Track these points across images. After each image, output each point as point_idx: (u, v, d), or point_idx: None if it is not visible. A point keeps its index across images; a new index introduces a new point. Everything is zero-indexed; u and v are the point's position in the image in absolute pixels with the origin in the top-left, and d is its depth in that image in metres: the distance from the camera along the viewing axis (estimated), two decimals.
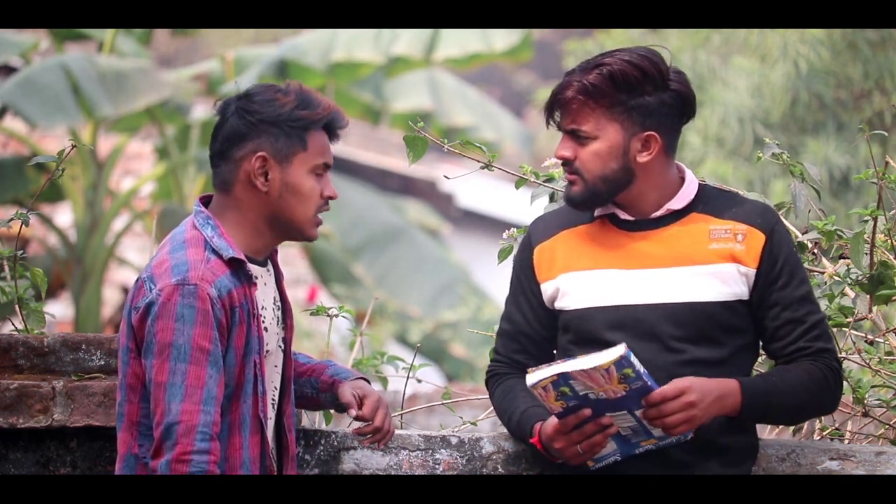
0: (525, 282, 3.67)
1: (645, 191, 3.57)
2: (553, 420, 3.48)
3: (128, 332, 3.38)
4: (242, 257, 3.40)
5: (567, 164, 3.56)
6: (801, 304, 3.55)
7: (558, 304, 3.61)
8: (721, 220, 3.57)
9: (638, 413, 3.41)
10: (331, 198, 3.48)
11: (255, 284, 3.43)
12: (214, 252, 3.38)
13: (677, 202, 3.58)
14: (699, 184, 3.63)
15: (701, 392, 3.43)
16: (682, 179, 3.62)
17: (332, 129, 3.49)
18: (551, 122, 3.59)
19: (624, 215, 3.59)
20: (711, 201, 3.60)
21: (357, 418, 3.55)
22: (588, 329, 3.55)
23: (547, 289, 3.63)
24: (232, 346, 3.36)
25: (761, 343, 3.62)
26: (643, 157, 3.54)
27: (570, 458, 3.49)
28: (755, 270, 3.54)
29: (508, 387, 3.68)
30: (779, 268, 3.55)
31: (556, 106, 3.56)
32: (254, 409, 3.41)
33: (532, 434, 3.55)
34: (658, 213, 3.58)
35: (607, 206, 3.59)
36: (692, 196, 3.59)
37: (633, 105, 3.51)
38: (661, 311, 3.52)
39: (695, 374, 3.48)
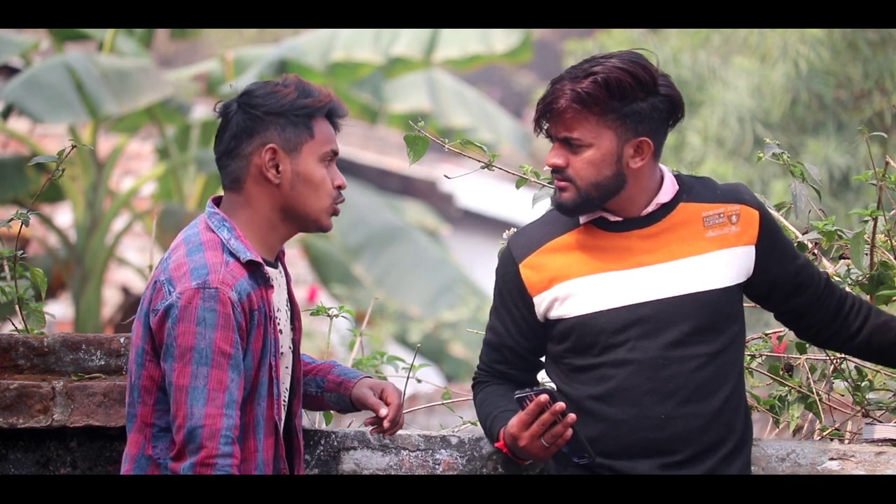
0: (509, 297, 3.65)
1: (634, 195, 3.57)
2: (514, 419, 3.49)
3: (143, 334, 3.36)
4: (260, 260, 3.40)
5: (558, 171, 3.55)
6: (810, 267, 3.68)
7: (555, 314, 3.59)
8: (711, 205, 3.59)
9: None
10: (340, 187, 3.48)
11: (272, 287, 3.43)
12: (232, 255, 3.37)
13: (664, 195, 3.58)
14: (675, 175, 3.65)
15: None
16: (662, 176, 3.62)
17: (333, 117, 3.49)
18: (540, 131, 3.58)
19: (613, 217, 3.59)
20: (693, 189, 3.61)
21: (381, 418, 3.56)
22: (593, 334, 3.54)
23: (542, 301, 3.60)
24: (250, 349, 3.36)
25: (787, 302, 3.68)
26: (636, 163, 3.54)
27: (537, 455, 3.50)
28: (754, 246, 3.58)
29: (486, 394, 3.70)
30: (779, 235, 3.63)
31: (547, 115, 3.54)
32: (268, 411, 3.40)
33: (497, 439, 3.57)
34: (648, 210, 3.58)
35: (594, 211, 3.60)
36: (676, 187, 3.60)
37: (626, 112, 3.51)
38: (666, 306, 3.52)
39: (699, 368, 3.50)
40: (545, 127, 3.56)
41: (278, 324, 3.45)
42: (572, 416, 3.44)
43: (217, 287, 3.30)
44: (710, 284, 3.53)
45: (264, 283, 3.40)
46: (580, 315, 3.55)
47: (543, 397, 3.44)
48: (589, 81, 3.50)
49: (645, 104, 3.52)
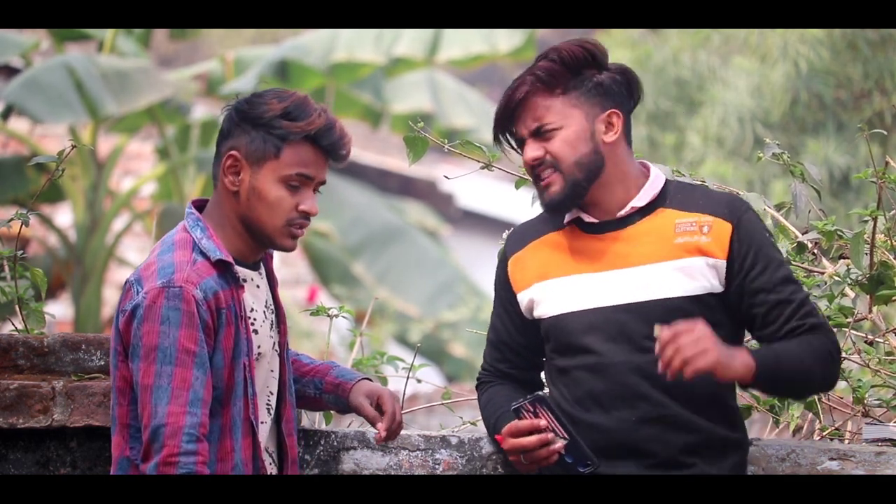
0: (502, 293, 3.69)
1: (613, 180, 3.56)
2: (509, 424, 3.51)
3: (115, 335, 3.39)
4: (230, 259, 3.40)
5: (539, 164, 3.55)
6: (784, 285, 3.52)
7: (536, 314, 3.63)
8: (687, 213, 3.56)
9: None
10: (306, 213, 3.44)
11: (243, 287, 3.43)
12: (202, 254, 3.39)
13: (641, 199, 3.58)
14: (666, 179, 3.63)
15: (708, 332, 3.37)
16: (647, 177, 3.62)
17: (322, 145, 3.43)
18: (504, 142, 3.59)
19: (589, 218, 3.59)
20: (678, 196, 3.59)
21: (384, 429, 3.57)
22: (565, 334, 3.56)
23: (522, 299, 3.64)
24: (219, 348, 3.36)
25: (752, 333, 3.59)
26: (609, 137, 3.55)
27: (514, 463, 3.53)
28: (725, 261, 3.52)
29: (490, 395, 3.71)
30: (752, 255, 3.52)
31: (513, 112, 3.55)
32: (245, 411, 3.40)
33: (499, 431, 3.57)
34: (623, 213, 3.57)
35: (574, 210, 3.59)
36: (656, 192, 3.59)
37: (588, 87, 3.54)
38: (631, 311, 3.52)
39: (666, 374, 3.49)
40: (509, 135, 3.58)
41: (252, 324, 3.44)
42: (559, 445, 3.45)
43: (181, 286, 3.31)
44: (675, 292, 3.51)
45: (234, 282, 3.40)
46: (553, 316, 3.58)
47: (541, 422, 3.45)
48: (544, 62, 3.54)
49: (603, 76, 3.55)
